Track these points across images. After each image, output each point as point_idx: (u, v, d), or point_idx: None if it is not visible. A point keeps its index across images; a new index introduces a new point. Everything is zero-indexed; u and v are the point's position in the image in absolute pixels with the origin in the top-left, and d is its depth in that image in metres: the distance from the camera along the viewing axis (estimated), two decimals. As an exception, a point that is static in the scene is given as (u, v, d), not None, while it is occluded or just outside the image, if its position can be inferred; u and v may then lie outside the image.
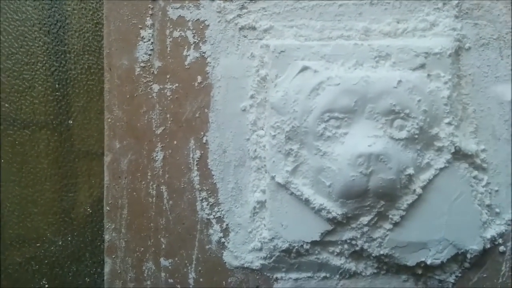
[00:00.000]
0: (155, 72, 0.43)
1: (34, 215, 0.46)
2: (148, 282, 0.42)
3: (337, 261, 0.44)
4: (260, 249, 0.43)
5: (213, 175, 0.43)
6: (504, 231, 0.44)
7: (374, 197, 0.40)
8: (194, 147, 0.42)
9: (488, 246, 0.44)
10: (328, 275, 0.44)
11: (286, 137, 0.42)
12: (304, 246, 0.42)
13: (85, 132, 0.47)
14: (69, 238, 0.47)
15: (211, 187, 0.42)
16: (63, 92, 0.47)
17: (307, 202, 0.42)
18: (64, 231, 0.46)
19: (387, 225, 0.43)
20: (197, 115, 0.42)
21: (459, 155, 0.43)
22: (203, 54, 0.43)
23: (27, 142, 0.46)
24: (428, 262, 0.43)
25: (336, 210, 0.42)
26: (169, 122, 0.43)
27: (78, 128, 0.47)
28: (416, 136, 0.41)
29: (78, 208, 0.46)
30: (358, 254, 0.44)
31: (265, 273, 0.44)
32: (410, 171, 0.41)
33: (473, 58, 0.45)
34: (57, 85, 0.47)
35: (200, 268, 0.43)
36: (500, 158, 0.44)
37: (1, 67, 0.46)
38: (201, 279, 0.42)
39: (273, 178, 0.42)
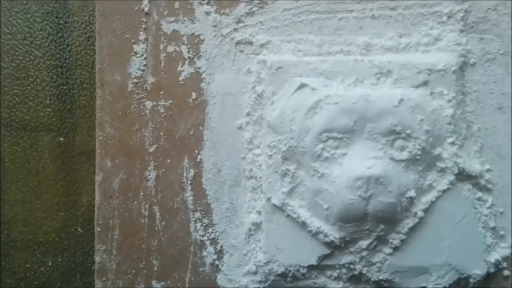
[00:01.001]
0: (149, 88, 0.42)
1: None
2: None
3: (335, 286, 0.42)
4: (255, 273, 0.42)
5: (207, 195, 0.42)
6: (509, 254, 0.43)
7: (374, 221, 0.39)
8: (188, 166, 0.41)
9: (492, 270, 0.42)
10: (325, 299, 0.43)
11: (282, 157, 0.41)
12: (301, 270, 0.41)
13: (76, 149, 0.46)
14: (59, 259, 0.46)
15: (205, 208, 0.41)
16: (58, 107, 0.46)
17: (303, 225, 0.41)
18: (55, 251, 0.45)
19: (387, 249, 0.41)
20: (191, 132, 0.41)
21: (462, 176, 0.41)
22: (198, 70, 0.42)
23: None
24: (430, 287, 0.41)
25: (333, 233, 0.40)
26: (163, 140, 0.42)
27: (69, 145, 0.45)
28: (418, 157, 0.39)
29: (69, 228, 0.45)
30: (356, 279, 0.42)
31: (260, 297, 0.42)
32: (412, 193, 0.39)
33: (479, 74, 0.43)
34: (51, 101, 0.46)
35: None
36: (506, 178, 0.43)
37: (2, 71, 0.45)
38: None
39: (269, 199, 0.41)
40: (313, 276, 0.42)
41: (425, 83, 0.41)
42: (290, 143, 0.40)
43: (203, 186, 0.41)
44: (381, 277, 0.41)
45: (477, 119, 0.43)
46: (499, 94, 0.43)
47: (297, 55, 0.43)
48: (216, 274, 0.41)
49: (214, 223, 0.42)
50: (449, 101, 0.41)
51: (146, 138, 0.41)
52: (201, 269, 0.41)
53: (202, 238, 0.41)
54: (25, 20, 0.46)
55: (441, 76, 0.41)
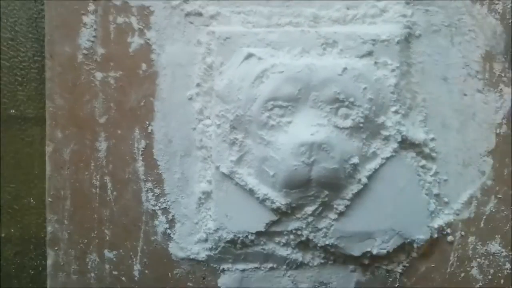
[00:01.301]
0: (98, 60, 0.42)
1: None
2: (92, 274, 0.41)
3: (283, 252, 0.43)
4: (206, 240, 0.43)
5: (159, 166, 0.42)
6: (452, 220, 0.44)
7: (318, 187, 0.40)
8: (139, 136, 0.41)
9: (436, 235, 0.43)
10: (275, 265, 0.44)
11: (230, 126, 0.41)
12: (249, 236, 0.42)
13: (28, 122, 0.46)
14: (12, 230, 0.46)
15: (157, 178, 0.41)
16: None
17: (251, 192, 0.42)
18: (7, 222, 0.45)
19: (332, 215, 0.42)
20: (142, 103, 0.41)
21: (406, 144, 0.42)
22: (148, 41, 0.42)
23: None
24: (374, 252, 0.42)
25: (280, 200, 0.41)
26: (113, 111, 0.42)
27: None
28: (362, 125, 0.40)
29: (22, 199, 0.45)
30: (304, 245, 0.43)
31: (211, 265, 0.43)
32: (355, 160, 0.40)
33: (424, 45, 0.44)
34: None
35: (145, 260, 0.42)
36: (449, 147, 0.44)
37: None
38: (146, 271, 0.42)
39: (218, 168, 0.42)
40: (262, 242, 0.42)
41: (369, 53, 0.42)
42: (238, 112, 0.41)
43: (154, 157, 0.41)
44: (327, 242, 0.42)
45: (422, 90, 0.44)
46: (443, 65, 0.44)
47: (246, 26, 0.43)
48: (168, 242, 0.42)
49: (165, 193, 0.42)
50: (393, 70, 0.42)
51: (96, 109, 0.41)
52: (153, 238, 0.41)
53: (153, 208, 0.42)
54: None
55: (385, 46, 0.42)
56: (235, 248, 0.43)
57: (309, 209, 0.42)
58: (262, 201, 0.41)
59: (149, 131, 0.41)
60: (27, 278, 0.45)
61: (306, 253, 0.44)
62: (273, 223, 0.42)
